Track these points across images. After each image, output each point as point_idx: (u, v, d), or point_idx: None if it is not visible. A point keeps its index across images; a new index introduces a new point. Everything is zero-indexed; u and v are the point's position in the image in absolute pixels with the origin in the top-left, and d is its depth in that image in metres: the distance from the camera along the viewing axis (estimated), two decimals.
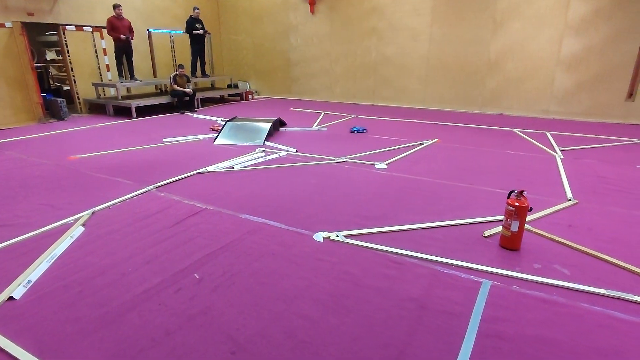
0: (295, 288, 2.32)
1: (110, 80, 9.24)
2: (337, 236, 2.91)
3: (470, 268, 2.51)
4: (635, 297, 2.21)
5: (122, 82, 8.78)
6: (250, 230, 3.05)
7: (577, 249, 2.75)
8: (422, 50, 9.10)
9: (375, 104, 10.11)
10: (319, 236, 2.93)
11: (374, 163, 4.80)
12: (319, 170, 4.59)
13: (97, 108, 9.03)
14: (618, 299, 2.21)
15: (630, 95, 7.32)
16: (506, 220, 2.72)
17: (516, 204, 2.68)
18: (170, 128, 7.17)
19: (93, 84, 8.86)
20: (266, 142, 5.90)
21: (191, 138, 6.25)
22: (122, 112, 8.61)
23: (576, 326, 1.99)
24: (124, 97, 8.98)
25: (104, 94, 9.18)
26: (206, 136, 6.35)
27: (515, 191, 2.75)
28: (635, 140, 6.08)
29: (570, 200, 3.65)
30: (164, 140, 6.11)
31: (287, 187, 4.02)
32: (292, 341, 1.89)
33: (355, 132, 6.46)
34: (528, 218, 2.97)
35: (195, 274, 2.45)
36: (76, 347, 1.84)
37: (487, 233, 2.96)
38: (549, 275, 2.43)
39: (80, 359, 1.77)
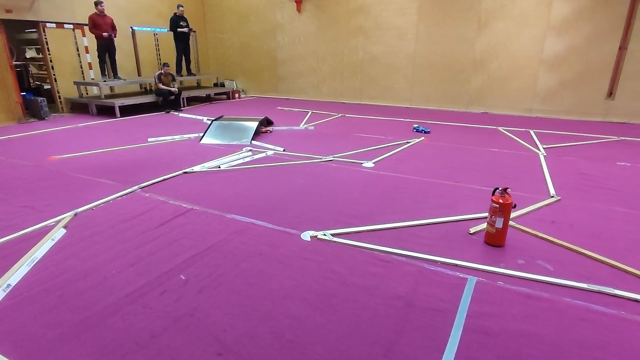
0: (283, 288, 2.30)
1: (92, 79, 9.06)
2: (325, 235, 2.91)
3: (456, 265, 2.54)
4: (615, 290, 2.26)
5: (105, 81, 8.61)
6: (237, 230, 3.03)
7: (559, 245, 2.81)
8: (409, 50, 9.16)
9: (362, 102, 10.14)
10: (307, 235, 2.92)
11: (361, 162, 4.81)
12: (307, 169, 4.58)
13: (79, 107, 8.83)
14: (599, 292, 2.26)
15: (610, 94, 7.51)
16: (491, 217, 2.76)
17: (500, 201, 2.71)
18: (155, 127, 7.06)
19: (75, 83, 8.67)
20: (253, 141, 5.86)
21: (177, 137, 6.17)
22: (106, 111, 8.45)
23: (559, 320, 2.03)
24: (107, 96, 8.80)
25: (87, 93, 8.99)
26: (192, 135, 6.27)
27: (500, 188, 2.79)
28: (615, 138, 6.24)
29: (553, 197, 3.72)
30: (149, 139, 6.01)
31: (275, 186, 4.00)
32: (279, 341, 1.88)
33: (421, 131, 6.33)
34: (512, 215, 3.02)
35: (181, 276, 2.41)
36: (57, 353, 1.80)
37: (472, 230, 3.00)
38: (532, 271, 2.47)
39: None
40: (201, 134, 6.16)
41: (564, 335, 1.93)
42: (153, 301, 2.17)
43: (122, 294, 2.23)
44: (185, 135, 6.27)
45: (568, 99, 7.88)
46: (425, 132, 6.15)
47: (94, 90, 8.97)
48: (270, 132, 6.23)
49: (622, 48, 7.20)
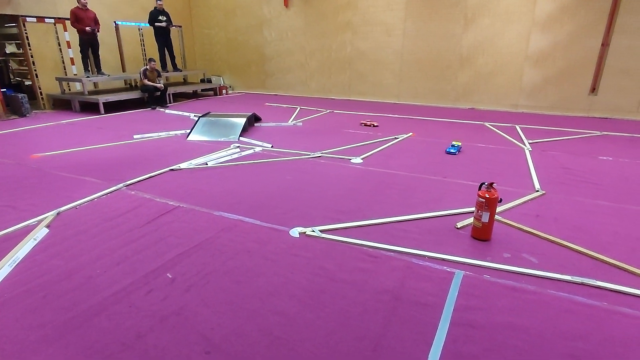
0: (271, 285, 2.30)
1: (75, 74, 8.85)
2: (313, 231, 2.90)
3: (443, 259, 2.56)
4: (597, 282, 2.31)
5: (88, 77, 8.43)
6: (224, 227, 3.00)
7: (544, 238, 2.86)
8: (396, 45, 9.18)
9: (350, 98, 10.14)
10: (295, 232, 2.92)
11: (350, 158, 4.81)
12: (295, 165, 4.57)
13: (61, 104, 8.63)
14: (582, 284, 2.31)
15: (593, 89, 7.65)
16: (477, 211, 2.79)
17: (486, 195, 2.75)
18: (140, 124, 6.95)
19: (57, 79, 8.46)
20: (241, 138, 5.82)
21: (163, 134, 6.08)
22: (89, 108, 8.27)
23: (543, 312, 2.07)
24: (90, 93, 8.62)
25: (69, 89, 8.78)
26: (178, 132, 6.19)
27: (486, 183, 2.82)
28: (597, 133, 6.37)
29: (538, 191, 3.78)
30: (134, 136, 5.91)
31: (263, 183, 3.98)
32: (268, 338, 1.87)
33: (453, 152, 5.09)
34: (498, 209, 3.06)
35: (167, 274, 2.38)
36: (40, 355, 1.76)
37: (459, 225, 3.03)
38: (518, 264, 2.51)
39: None
40: (188, 131, 6.08)
41: (548, 326, 1.96)
42: (139, 300, 2.14)
43: (108, 294, 2.19)
44: (171, 132, 6.19)
45: (552, 94, 8.00)
46: (454, 153, 5.08)
47: (77, 87, 8.77)
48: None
49: (605, 44, 7.33)
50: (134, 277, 2.35)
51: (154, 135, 6.02)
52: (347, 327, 1.95)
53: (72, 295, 2.18)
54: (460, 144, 5.33)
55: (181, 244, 2.74)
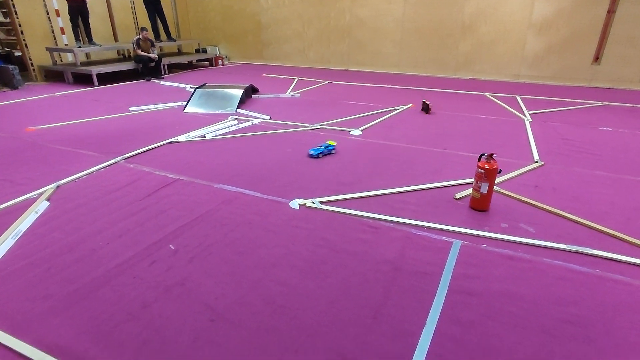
0: (273, 256, 2.33)
1: (66, 44, 8.59)
2: (313, 203, 2.92)
3: (441, 229, 2.59)
4: (592, 250, 2.35)
5: (79, 47, 8.18)
6: (225, 200, 3.01)
7: (541, 208, 2.89)
8: (397, 13, 8.90)
9: (349, 69, 9.93)
10: (295, 203, 2.93)
11: (349, 129, 4.77)
12: (294, 137, 4.53)
13: (54, 75, 8.42)
14: (577, 253, 2.35)
15: (597, 58, 7.51)
16: (476, 182, 2.80)
17: (486, 166, 2.74)
18: (136, 96, 6.82)
19: (47, 49, 8.21)
20: (238, 110, 5.73)
21: (159, 106, 5.98)
22: (83, 79, 8.09)
23: (539, 280, 2.12)
24: (83, 64, 8.40)
25: (61, 60, 8.55)
26: (175, 104, 6.09)
27: (485, 154, 2.81)
28: (599, 103, 6.30)
29: (537, 162, 3.79)
30: (130, 109, 5.82)
31: (262, 155, 3.96)
32: (270, 307, 1.92)
33: (320, 155, 3.85)
34: (497, 180, 3.07)
35: (170, 246, 2.41)
36: (47, 325, 1.80)
37: (458, 195, 3.04)
38: (515, 234, 2.54)
39: (54, 336, 1.74)
40: (184, 103, 5.99)
41: (543, 293, 2.02)
42: (143, 272, 2.17)
43: (111, 266, 2.22)
44: (167, 104, 6.08)
45: (555, 64, 7.85)
46: (317, 156, 3.81)
47: (69, 57, 8.54)
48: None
49: (611, 11, 7.13)
50: (136, 249, 2.38)
51: (150, 107, 5.92)
52: (348, 296, 2.00)
53: (76, 268, 2.21)
54: (335, 144, 3.95)
55: (182, 217, 2.76)
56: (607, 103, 6.30)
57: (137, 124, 5.05)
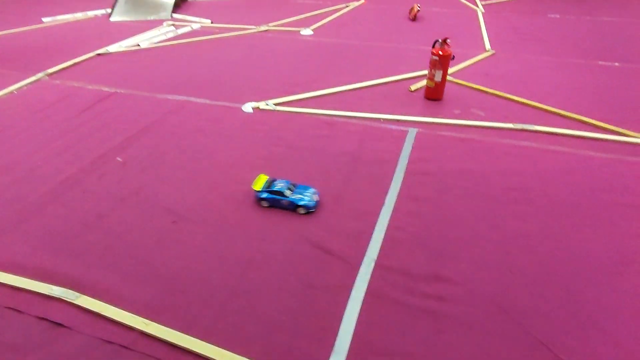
0: (230, 158, 2.27)
1: None
2: (267, 105, 2.80)
3: (398, 120, 2.62)
4: (535, 126, 2.50)
5: None
6: (171, 109, 2.81)
7: (491, 94, 2.96)
8: None
9: None
10: (248, 107, 2.80)
11: (299, 29, 4.45)
12: (240, 41, 4.18)
13: None
14: (522, 130, 2.49)
15: None
16: (431, 70, 2.77)
17: (440, 52, 2.70)
18: (47, 5, 5.82)
19: None
20: (174, 15, 5.11)
21: (79, 15, 5.18)
22: None
23: (487, 156, 2.25)
24: None
25: None
26: (98, 12, 5.30)
27: (440, 40, 2.75)
28: None
29: (488, 51, 3.79)
30: (44, 20, 5.00)
31: (207, 61, 3.65)
32: (233, 204, 1.91)
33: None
34: (450, 70, 3.06)
35: (117, 158, 2.27)
36: (0, 244, 1.70)
37: (413, 87, 3.03)
38: (467, 118, 2.62)
39: (8, 255, 1.65)
40: (109, 10, 5.22)
41: (491, 167, 2.15)
42: (92, 185, 2.05)
43: (55, 183, 2.07)
44: (89, 13, 5.28)
45: None
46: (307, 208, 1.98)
47: None
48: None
49: None
50: (80, 164, 2.22)
51: (69, 17, 5.12)
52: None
53: (16, 188, 2.04)
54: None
55: (127, 129, 2.56)
56: None
57: (56, 37, 4.40)
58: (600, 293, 1.44)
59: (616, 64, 3.50)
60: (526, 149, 2.31)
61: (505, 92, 2.95)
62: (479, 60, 3.58)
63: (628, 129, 2.46)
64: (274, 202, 1.84)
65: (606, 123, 2.52)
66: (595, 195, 1.93)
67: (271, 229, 1.76)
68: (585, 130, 2.46)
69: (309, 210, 1.82)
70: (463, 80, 3.15)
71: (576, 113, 2.64)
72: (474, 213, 1.83)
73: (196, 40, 4.19)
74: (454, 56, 2.79)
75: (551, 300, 1.41)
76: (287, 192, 1.81)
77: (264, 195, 1.83)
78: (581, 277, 1.50)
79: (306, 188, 1.88)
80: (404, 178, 2.07)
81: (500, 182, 2.03)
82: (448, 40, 2.75)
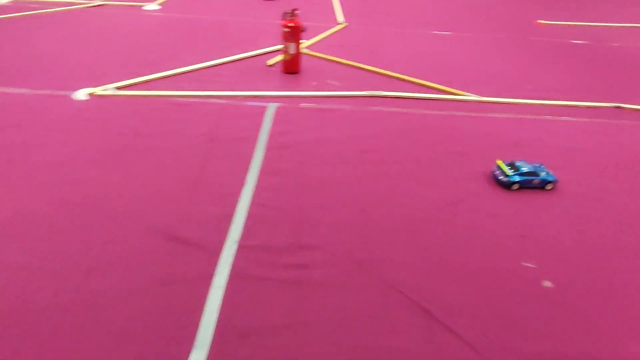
0: (61, 155, 1.91)
1: None
2: (106, 90, 2.44)
3: (256, 96, 2.55)
4: (383, 92, 2.69)
5: None
6: None
7: (345, 64, 3.10)
8: None
9: None
10: (81, 94, 2.39)
11: (142, 4, 3.97)
12: (70, 18, 3.55)
13: None
14: (373, 96, 2.67)
15: None
16: (284, 43, 2.75)
17: (290, 24, 2.69)
18: None
19: None
20: None
21: None
22: None
23: (343, 124, 2.35)
24: None
25: None
26: None
27: (288, 12, 2.73)
28: None
29: (340, 23, 3.95)
30: None
31: (24, 43, 3.02)
32: (67, 207, 1.62)
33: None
34: (306, 43, 3.10)
35: None
36: None
37: (270, 62, 2.99)
38: (323, 89, 2.70)
39: None
40: None
41: (346, 134, 2.25)
42: None
43: None
44: None
45: None
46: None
47: None
48: None
49: None
50: None
51: None
52: (163, 176, 1.84)
53: None
54: None
55: None
56: None
57: None
58: (437, 229, 1.63)
59: (449, 33, 4.00)
60: (377, 114, 2.49)
61: (357, 62, 3.12)
62: (333, 33, 3.71)
63: (456, 88, 2.84)
64: (525, 183, 1.87)
65: (439, 84, 2.86)
66: (432, 147, 2.19)
67: (115, 230, 1.54)
68: (423, 92, 2.75)
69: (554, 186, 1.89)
70: (319, 52, 3.23)
71: (416, 77, 2.94)
72: (332, 179, 1.89)
73: (8, 17, 3.41)
74: (305, 28, 2.81)
75: (400, 246, 1.55)
76: (543, 173, 1.87)
77: (517, 178, 1.85)
78: (421, 217, 1.68)
79: (534, 165, 1.91)
80: (264, 154, 2.03)
81: (354, 147, 2.14)
82: (296, 12, 2.74)
